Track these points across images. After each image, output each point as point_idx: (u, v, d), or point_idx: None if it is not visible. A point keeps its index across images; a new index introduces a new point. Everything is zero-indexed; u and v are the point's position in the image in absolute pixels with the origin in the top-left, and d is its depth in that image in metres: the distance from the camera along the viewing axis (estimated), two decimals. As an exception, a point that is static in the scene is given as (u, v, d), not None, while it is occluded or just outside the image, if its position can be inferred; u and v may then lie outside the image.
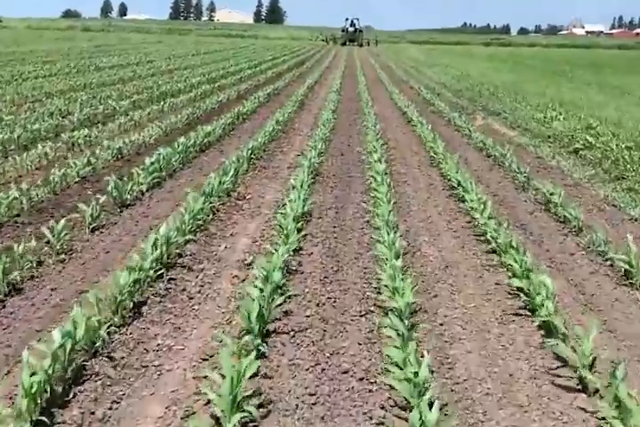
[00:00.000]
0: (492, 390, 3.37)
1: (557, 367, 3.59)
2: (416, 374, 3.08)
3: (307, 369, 3.48)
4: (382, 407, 3.16)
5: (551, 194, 6.73)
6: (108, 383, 3.28)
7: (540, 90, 19.20)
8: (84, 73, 19.58)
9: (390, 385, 3.23)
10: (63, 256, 4.94)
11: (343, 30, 61.13)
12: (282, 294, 4.14)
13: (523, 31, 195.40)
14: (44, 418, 2.89)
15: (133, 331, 3.85)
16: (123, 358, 3.54)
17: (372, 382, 3.36)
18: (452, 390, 3.34)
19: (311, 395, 3.23)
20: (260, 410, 3.07)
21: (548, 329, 3.90)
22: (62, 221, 5.15)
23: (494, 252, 5.32)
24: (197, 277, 4.74)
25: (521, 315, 4.27)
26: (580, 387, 3.39)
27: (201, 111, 12.43)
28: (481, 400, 3.28)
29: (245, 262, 5.02)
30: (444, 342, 3.86)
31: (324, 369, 3.48)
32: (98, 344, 3.54)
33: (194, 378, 3.36)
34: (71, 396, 3.14)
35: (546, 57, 45.96)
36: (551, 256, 5.42)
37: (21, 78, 16.78)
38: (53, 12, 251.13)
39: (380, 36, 68.77)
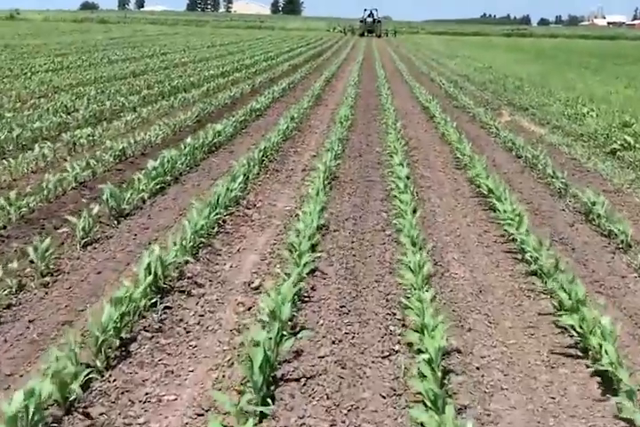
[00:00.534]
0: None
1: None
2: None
3: (320, 431, 2.90)
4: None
5: (593, 204, 6.05)
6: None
7: (568, 83, 18.37)
8: (96, 66, 19.07)
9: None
10: (47, 279, 4.38)
11: (361, 21, 60.48)
12: (292, 334, 3.55)
13: (543, 22, 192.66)
14: None
15: (118, 376, 3.28)
16: (102, 414, 2.99)
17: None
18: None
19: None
20: None
21: (607, 379, 3.29)
22: (47, 240, 4.57)
23: (534, 274, 4.68)
24: (197, 303, 4.17)
25: (572, 355, 3.64)
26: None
27: (212, 107, 11.81)
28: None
29: (252, 286, 4.44)
30: (482, 393, 3.26)
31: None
32: (72, 398, 2.98)
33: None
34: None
35: (568, 48, 44.81)
36: (599, 279, 4.77)
37: (31, 72, 16.31)
38: (72, 5, 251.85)
39: (399, 27, 67.72)
